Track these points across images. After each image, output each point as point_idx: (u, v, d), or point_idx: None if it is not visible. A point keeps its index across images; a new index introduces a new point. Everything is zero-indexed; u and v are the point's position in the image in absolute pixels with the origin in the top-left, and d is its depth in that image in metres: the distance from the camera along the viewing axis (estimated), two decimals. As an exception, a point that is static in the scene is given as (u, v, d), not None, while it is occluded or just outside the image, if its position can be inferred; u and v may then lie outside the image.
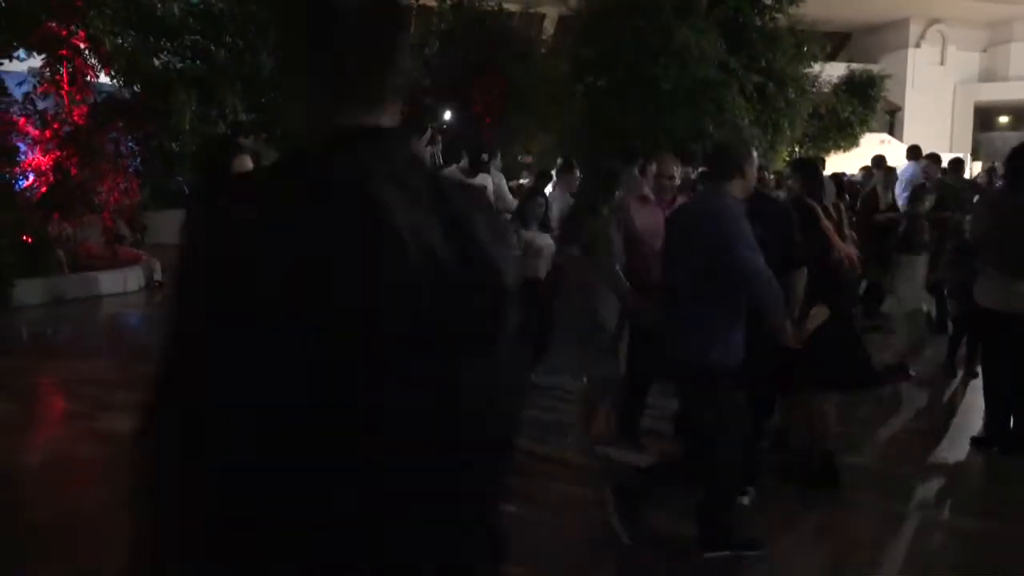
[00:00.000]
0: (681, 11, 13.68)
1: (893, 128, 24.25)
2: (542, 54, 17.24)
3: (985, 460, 5.03)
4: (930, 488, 4.67)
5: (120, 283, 9.87)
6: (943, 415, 6.01)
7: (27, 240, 8.92)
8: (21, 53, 9.91)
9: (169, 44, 12.53)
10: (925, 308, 7.33)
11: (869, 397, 5.70)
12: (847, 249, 4.54)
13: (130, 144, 10.09)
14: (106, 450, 4.58)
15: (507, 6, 17.81)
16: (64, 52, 9.25)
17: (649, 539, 3.79)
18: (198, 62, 12.94)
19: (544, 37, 19.90)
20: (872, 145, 18.18)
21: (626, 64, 13.59)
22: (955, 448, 5.22)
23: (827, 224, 4.46)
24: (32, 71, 9.91)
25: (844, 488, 4.38)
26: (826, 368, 4.10)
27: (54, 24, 8.96)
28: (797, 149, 18.25)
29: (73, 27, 9.08)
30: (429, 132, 9.13)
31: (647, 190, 5.02)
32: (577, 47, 14.94)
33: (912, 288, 6.85)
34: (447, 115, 14.97)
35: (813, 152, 19.32)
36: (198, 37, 12.74)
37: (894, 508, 4.31)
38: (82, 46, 9.32)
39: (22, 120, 9.48)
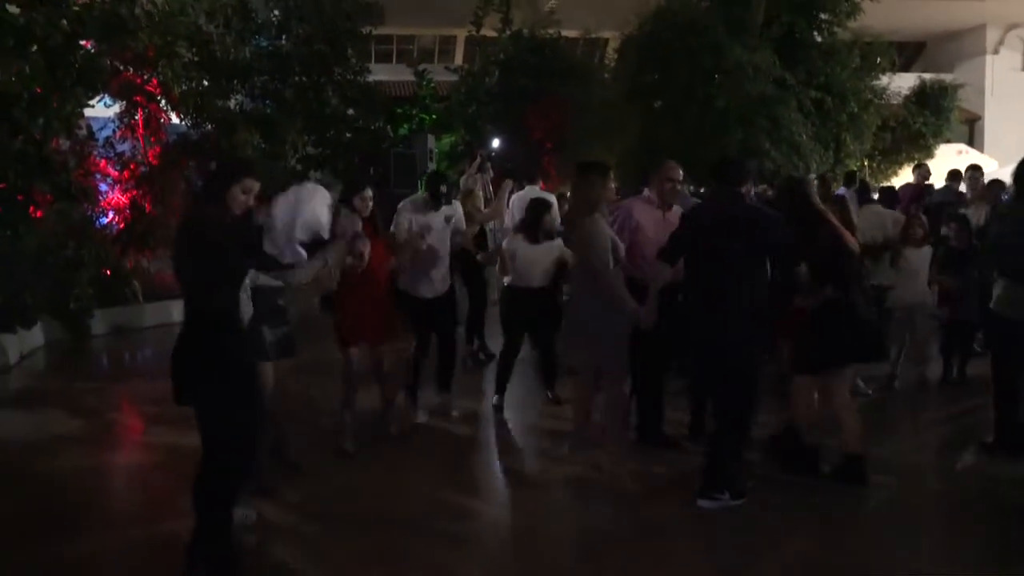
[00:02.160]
0: (734, 30, 13.74)
1: (973, 138, 23.47)
2: (603, 79, 17.47)
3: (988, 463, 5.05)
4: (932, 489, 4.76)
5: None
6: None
7: (106, 273, 9.59)
8: (107, 100, 10.74)
9: (240, 86, 13.35)
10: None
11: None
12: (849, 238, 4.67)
13: (201, 182, 10.72)
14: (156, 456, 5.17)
15: (568, 33, 18.17)
16: (139, 99, 9.95)
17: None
18: (267, 101, 13.73)
19: (607, 62, 20.12)
20: (948, 157, 17.63)
21: (680, 85, 13.69)
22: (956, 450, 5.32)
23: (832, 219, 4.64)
24: (114, 117, 10.69)
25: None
26: (831, 343, 4.48)
27: (129, 72, 9.64)
28: (867, 163, 17.94)
29: (146, 75, 9.76)
30: (479, 159, 9.45)
31: (648, 192, 5.26)
32: (634, 71, 15.10)
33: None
34: (495, 142, 15.29)
35: (885, 165, 18.99)
36: (267, 78, 13.51)
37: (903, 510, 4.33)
38: (155, 92, 9.99)
39: (103, 162, 10.22)
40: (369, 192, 5.20)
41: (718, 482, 4.26)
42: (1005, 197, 7.78)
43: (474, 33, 17.49)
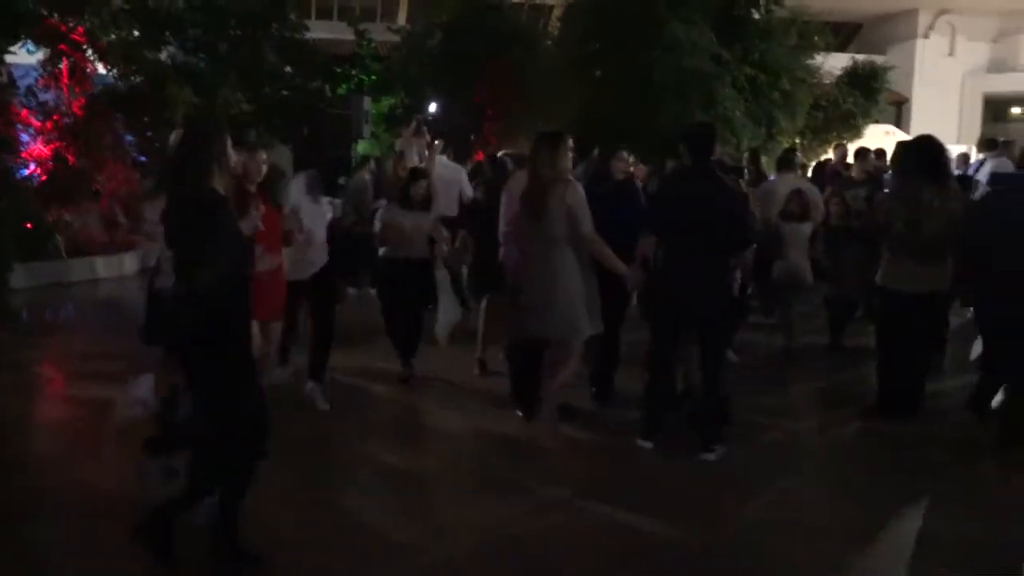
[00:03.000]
0: (674, 3, 13.87)
1: (900, 120, 24.17)
2: (546, 47, 17.43)
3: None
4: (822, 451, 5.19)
5: (116, 267, 10.30)
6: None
7: (28, 226, 9.34)
8: (30, 46, 10.37)
9: (172, 38, 12.96)
10: None
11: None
12: None
13: (128, 136, 10.48)
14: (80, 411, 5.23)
15: (512, -2, 18.02)
16: (63, 47, 9.64)
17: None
18: (201, 55, 13.37)
19: (551, 29, 20.05)
20: (876, 137, 18.16)
21: (621, 57, 13.80)
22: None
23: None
24: (37, 65, 10.34)
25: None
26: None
27: (54, 19, 9.33)
28: (798, 140, 18.37)
29: (71, 23, 9.45)
30: (414, 123, 9.42)
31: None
32: (578, 39, 15.14)
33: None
34: (433, 107, 15.20)
35: (816, 143, 19.48)
36: (200, 31, 13.15)
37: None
38: (81, 41, 9.69)
39: (24, 112, 9.90)
40: (263, 155, 4.74)
41: (718, 435, 4.76)
42: (887, 176, 8.24)
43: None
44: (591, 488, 4.36)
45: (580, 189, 4.75)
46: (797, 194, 7.14)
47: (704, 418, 4.86)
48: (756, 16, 15.21)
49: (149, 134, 10.85)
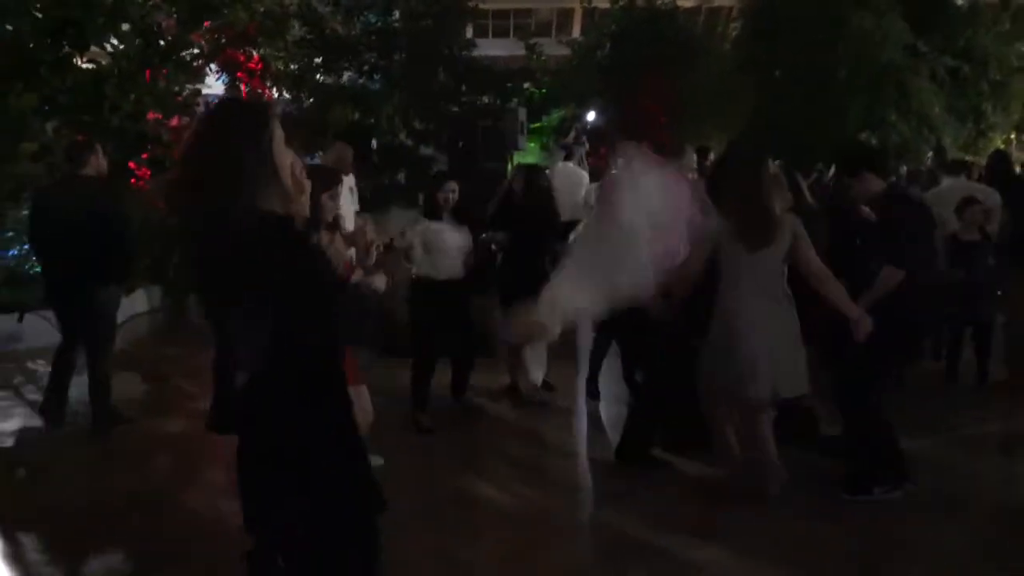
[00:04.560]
0: (861, -6, 12.76)
1: None
2: (722, 51, 16.71)
3: None
4: None
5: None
6: None
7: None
8: (225, 77, 11.19)
9: (349, 63, 13.54)
10: None
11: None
12: None
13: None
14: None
15: (685, 3, 17.45)
16: (240, 75, 10.26)
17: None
18: (376, 76, 13.89)
19: (730, 32, 19.23)
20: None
21: (797, 56, 12.88)
22: None
23: None
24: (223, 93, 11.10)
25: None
26: None
27: (230, 50, 9.95)
28: (1014, 137, 16.40)
29: (246, 53, 10.05)
30: (573, 133, 9.23)
31: None
32: (748, 39, 14.35)
33: None
34: (591, 115, 14.89)
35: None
36: (375, 54, 13.64)
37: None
38: (256, 68, 10.29)
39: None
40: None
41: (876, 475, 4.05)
42: None
43: (587, 4, 17.10)
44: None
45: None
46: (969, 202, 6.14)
47: (865, 455, 4.13)
48: (959, 1, 13.75)
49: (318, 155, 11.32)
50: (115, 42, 7.55)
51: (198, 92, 10.35)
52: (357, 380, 3.69)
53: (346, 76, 13.20)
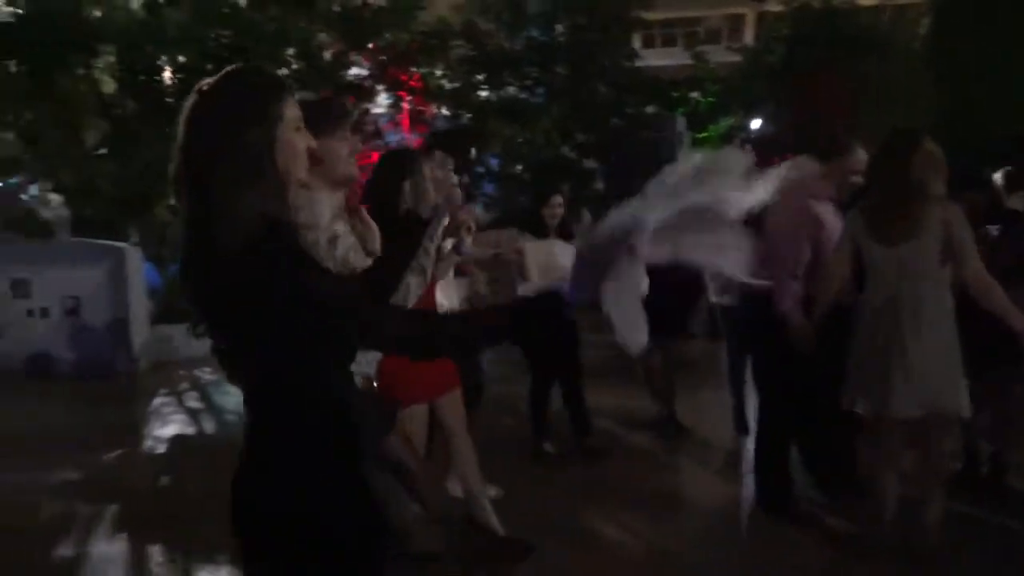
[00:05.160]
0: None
1: None
2: (910, 47, 15.49)
3: None
4: None
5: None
6: None
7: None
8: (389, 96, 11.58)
9: (511, 77, 13.62)
10: None
11: None
12: None
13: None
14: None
15: (864, 1, 16.33)
16: (402, 93, 10.55)
17: None
18: (538, 91, 13.89)
19: (919, 28, 17.83)
20: None
21: (991, 51, 11.67)
22: None
23: None
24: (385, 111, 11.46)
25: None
26: None
27: (392, 69, 10.25)
28: None
29: (409, 71, 10.31)
30: (737, 142, 8.79)
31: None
32: (940, 37, 13.19)
33: None
34: (756, 123, 14.14)
35: None
36: (536, 68, 13.65)
37: None
38: (417, 86, 10.54)
39: (375, 155, 10.99)
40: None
41: None
42: None
43: (760, 9, 16.36)
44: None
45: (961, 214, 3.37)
46: None
47: None
48: None
49: (481, 170, 11.46)
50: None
51: (366, 111, 10.76)
52: (444, 388, 3.36)
53: (506, 91, 13.32)
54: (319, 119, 2.05)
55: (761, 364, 4.31)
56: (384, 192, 3.10)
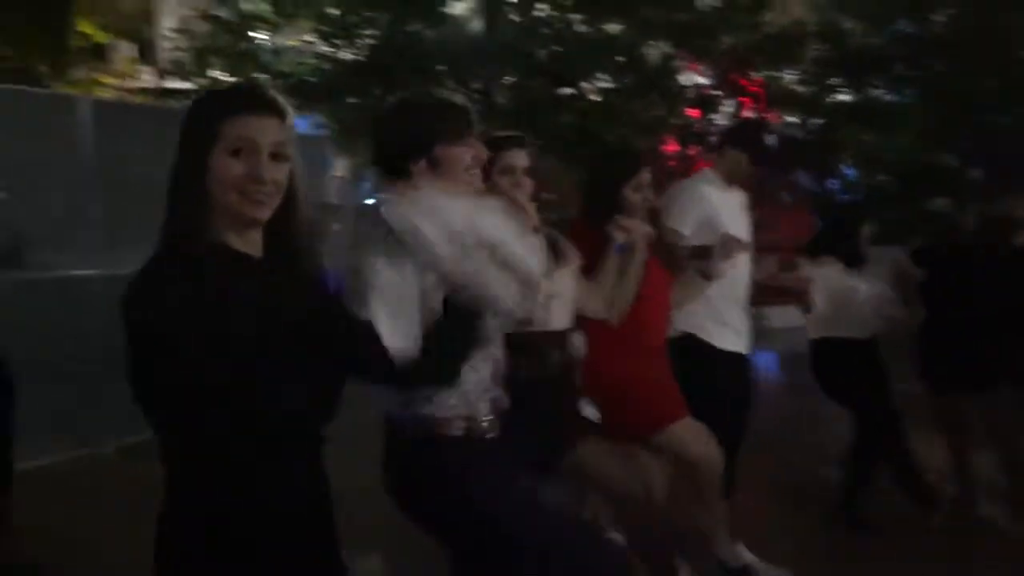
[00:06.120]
0: None
1: None
2: None
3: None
4: None
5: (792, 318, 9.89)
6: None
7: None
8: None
9: (875, 77, 12.16)
10: None
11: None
12: None
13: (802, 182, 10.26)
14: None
15: None
16: (743, 100, 9.98)
17: None
18: (907, 91, 12.25)
19: None
20: None
21: None
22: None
23: None
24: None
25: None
26: None
27: (733, 75, 9.72)
28: None
29: (749, 77, 9.71)
30: None
31: None
32: None
33: None
34: None
35: None
36: (903, 65, 12.03)
37: None
38: (759, 91, 9.90)
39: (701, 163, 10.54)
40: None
41: None
42: None
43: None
44: None
45: None
46: None
47: None
48: None
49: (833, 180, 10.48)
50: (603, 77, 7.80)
51: (710, 121, 10.34)
52: (669, 418, 2.85)
53: (867, 93, 11.94)
54: (437, 125, 1.93)
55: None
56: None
